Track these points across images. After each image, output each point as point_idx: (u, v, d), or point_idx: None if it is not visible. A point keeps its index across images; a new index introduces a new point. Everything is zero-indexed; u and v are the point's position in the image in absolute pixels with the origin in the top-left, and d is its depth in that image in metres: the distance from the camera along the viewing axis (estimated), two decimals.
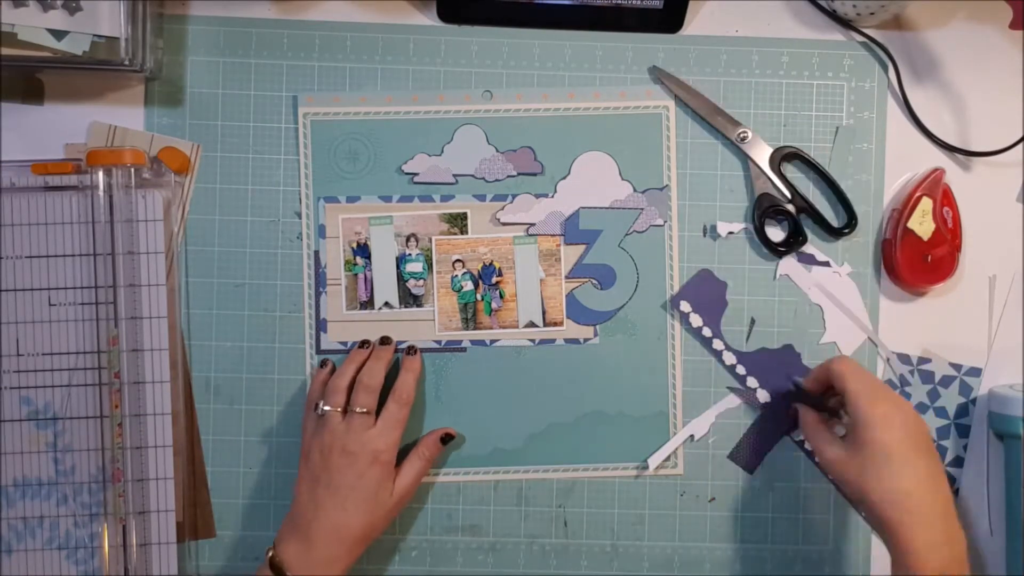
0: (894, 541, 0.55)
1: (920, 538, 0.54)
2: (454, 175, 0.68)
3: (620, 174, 0.69)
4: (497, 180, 0.68)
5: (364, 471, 0.61)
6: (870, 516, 0.57)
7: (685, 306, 0.68)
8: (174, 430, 0.66)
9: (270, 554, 0.60)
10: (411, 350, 0.67)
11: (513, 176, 0.68)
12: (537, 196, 0.68)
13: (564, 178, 0.68)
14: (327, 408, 0.62)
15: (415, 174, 0.68)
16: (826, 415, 0.64)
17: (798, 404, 0.66)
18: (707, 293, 0.69)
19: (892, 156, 0.69)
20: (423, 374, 0.68)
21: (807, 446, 0.67)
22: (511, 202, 0.68)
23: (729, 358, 0.68)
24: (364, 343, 0.66)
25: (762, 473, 0.68)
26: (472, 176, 0.68)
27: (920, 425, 0.58)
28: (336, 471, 0.61)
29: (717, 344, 0.69)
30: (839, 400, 0.63)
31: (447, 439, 0.66)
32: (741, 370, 0.69)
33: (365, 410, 0.62)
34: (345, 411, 0.62)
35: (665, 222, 0.69)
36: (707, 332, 0.68)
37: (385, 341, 0.67)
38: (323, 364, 0.66)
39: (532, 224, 0.68)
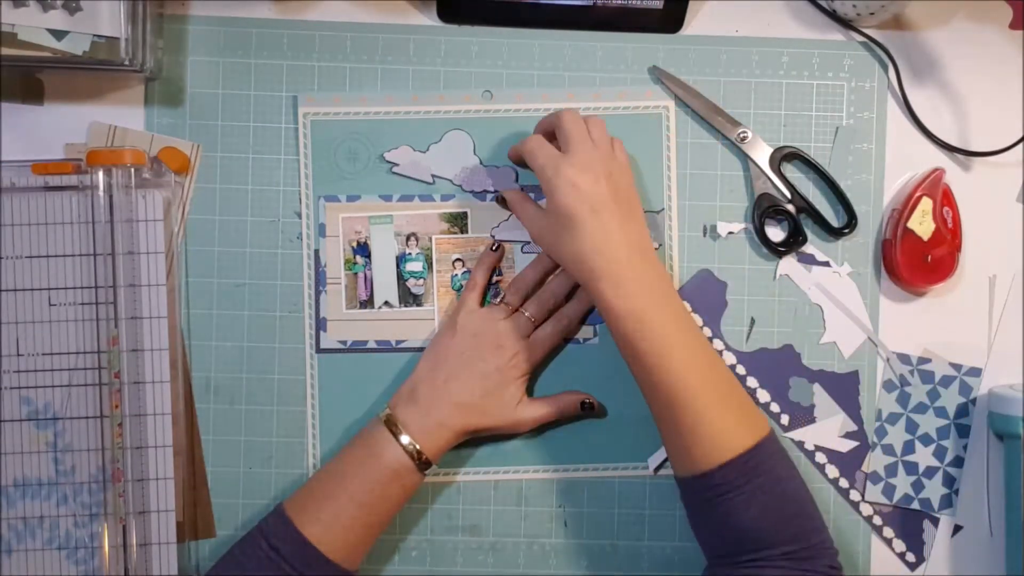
0: (592, 294, 0.59)
1: (608, 290, 0.57)
2: (432, 175, 0.68)
3: None
4: (473, 192, 0.68)
5: (503, 368, 0.63)
6: (568, 272, 0.62)
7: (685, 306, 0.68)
8: (174, 430, 0.66)
9: (386, 413, 0.62)
10: None
11: (490, 191, 0.68)
12: None
13: None
14: (505, 302, 0.65)
15: (395, 164, 0.68)
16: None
17: (502, 190, 0.67)
18: (707, 293, 0.69)
19: (892, 156, 0.69)
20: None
21: (515, 213, 0.66)
22: (507, 220, 0.68)
23: (729, 358, 0.69)
24: None
25: None
26: (450, 181, 0.68)
27: (603, 173, 0.58)
28: (480, 357, 0.63)
29: (717, 344, 0.69)
30: None
31: (587, 407, 0.66)
32: (741, 370, 0.69)
33: (532, 318, 0.65)
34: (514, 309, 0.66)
35: (659, 245, 0.68)
36: (707, 332, 0.68)
37: None
38: (495, 248, 0.67)
39: (528, 243, 0.68)
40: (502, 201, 0.67)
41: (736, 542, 0.57)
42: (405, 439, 0.60)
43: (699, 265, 0.69)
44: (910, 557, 0.69)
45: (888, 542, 0.69)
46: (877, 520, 0.69)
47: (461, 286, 0.68)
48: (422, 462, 0.61)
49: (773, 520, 0.57)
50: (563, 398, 0.66)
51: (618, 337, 0.59)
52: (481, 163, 0.68)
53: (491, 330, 0.64)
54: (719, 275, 0.69)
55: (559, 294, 0.66)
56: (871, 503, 0.69)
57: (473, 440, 0.66)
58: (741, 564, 0.57)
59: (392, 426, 0.61)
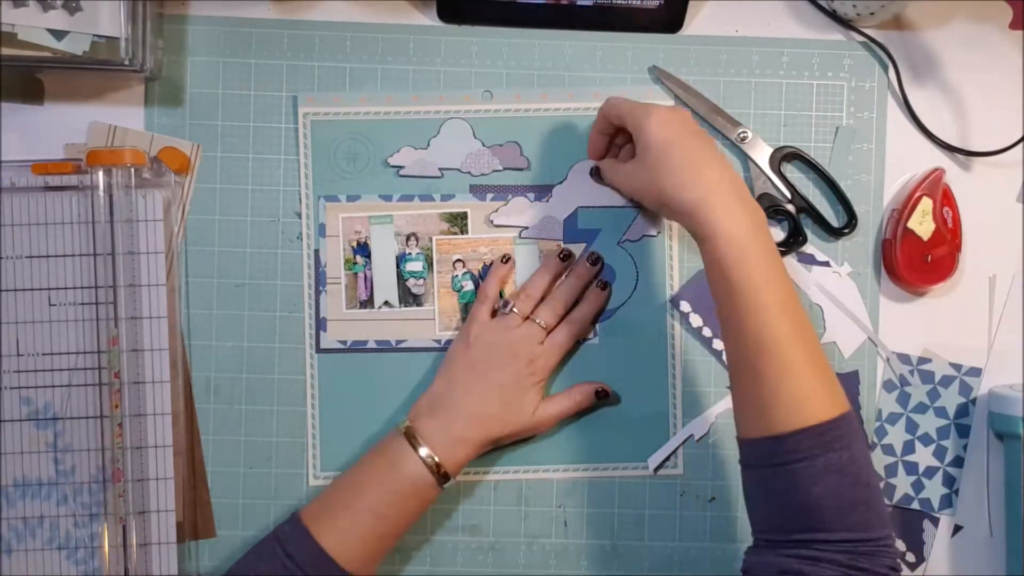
0: (696, 222, 0.56)
1: (717, 210, 0.55)
2: (440, 168, 0.68)
3: None
4: (483, 175, 0.68)
5: (520, 376, 0.63)
6: (671, 209, 0.58)
7: (685, 306, 0.68)
8: (174, 430, 0.66)
9: (406, 425, 0.62)
10: (603, 284, 0.67)
11: (499, 171, 0.68)
12: (532, 200, 0.68)
13: (560, 183, 0.68)
14: (515, 311, 0.65)
15: (401, 167, 0.68)
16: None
17: (596, 163, 0.68)
18: (707, 293, 0.68)
19: (892, 156, 0.69)
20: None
21: (609, 181, 0.67)
22: (506, 205, 0.68)
23: None
24: (566, 255, 0.67)
25: None
26: (458, 170, 0.68)
27: (690, 118, 0.60)
28: (496, 367, 0.63)
29: (717, 344, 0.69)
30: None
31: (602, 394, 0.66)
32: None
33: (544, 324, 0.65)
34: (525, 316, 0.65)
35: (658, 232, 0.68)
36: (707, 332, 0.68)
37: (594, 261, 0.67)
38: (506, 259, 0.67)
39: (525, 228, 0.68)
40: (597, 173, 0.68)
41: (792, 519, 0.53)
42: (424, 452, 0.60)
43: (699, 265, 0.69)
44: (910, 557, 0.69)
45: None
46: None
47: (461, 287, 0.68)
48: (441, 475, 0.60)
49: (838, 502, 0.52)
50: (577, 390, 0.66)
51: (718, 265, 0.55)
52: (483, 145, 0.68)
53: (505, 340, 0.64)
54: None
55: (569, 298, 0.66)
56: None
57: None
58: (792, 544, 0.53)
59: (412, 439, 0.61)
